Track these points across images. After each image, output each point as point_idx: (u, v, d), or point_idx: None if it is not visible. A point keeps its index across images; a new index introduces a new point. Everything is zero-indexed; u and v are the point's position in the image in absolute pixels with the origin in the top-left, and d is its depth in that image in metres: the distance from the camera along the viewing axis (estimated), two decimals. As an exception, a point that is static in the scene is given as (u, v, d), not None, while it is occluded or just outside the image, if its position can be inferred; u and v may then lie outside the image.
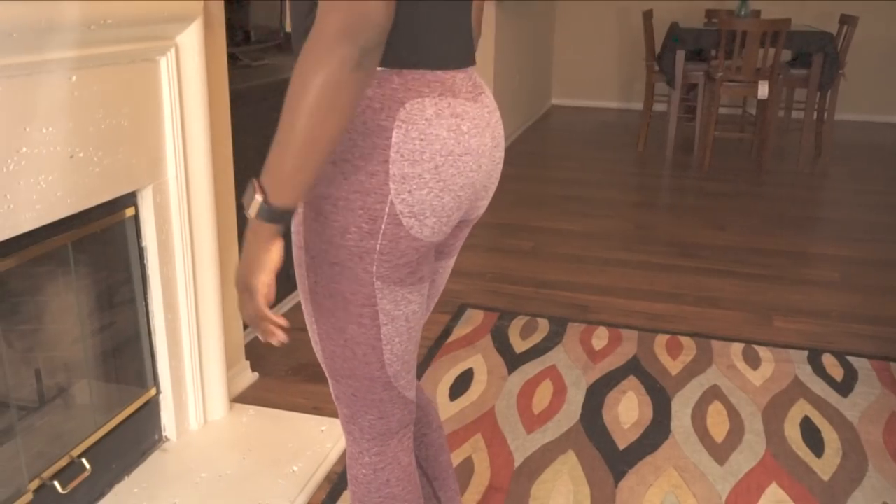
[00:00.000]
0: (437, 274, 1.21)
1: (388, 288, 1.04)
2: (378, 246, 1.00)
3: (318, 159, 0.89)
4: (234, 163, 2.19)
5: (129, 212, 1.79)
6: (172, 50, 1.77)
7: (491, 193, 1.13)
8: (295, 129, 0.87)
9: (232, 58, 2.62)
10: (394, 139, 0.97)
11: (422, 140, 0.97)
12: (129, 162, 1.71)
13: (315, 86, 0.85)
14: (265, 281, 0.95)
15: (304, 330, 2.77)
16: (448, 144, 0.98)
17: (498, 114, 1.10)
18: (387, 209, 0.98)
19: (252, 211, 0.93)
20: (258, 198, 0.91)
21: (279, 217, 0.92)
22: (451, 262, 1.22)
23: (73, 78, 1.53)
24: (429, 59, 0.98)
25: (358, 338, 1.07)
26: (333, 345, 1.09)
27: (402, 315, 1.08)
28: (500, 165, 1.12)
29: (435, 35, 0.99)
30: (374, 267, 1.01)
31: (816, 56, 5.01)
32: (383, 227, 0.99)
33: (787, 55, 5.53)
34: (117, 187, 1.69)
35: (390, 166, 0.97)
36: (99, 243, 1.75)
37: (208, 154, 1.91)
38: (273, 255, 0.94)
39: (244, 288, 0.97)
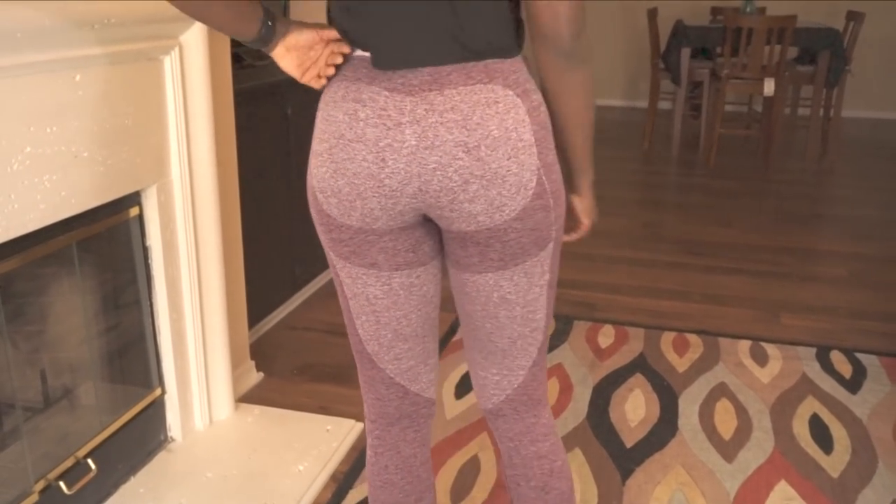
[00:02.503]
0: (466, 287, 1.12)
1: (339, 260, 1.12)
2: (315, 216, 1.10)
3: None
4: (238, 162, 2.18)
5: (134, 211, 1.79)
6: (176, 49, 1.77)
7: (457, 205, 1.01)
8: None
9: (236, 58, 2.61)
10: (318, 117, 1.07)
11: (325, 120, 1.04)
12: (134, 161, 1.71)
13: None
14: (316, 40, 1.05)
15: (311, 329, 2.77)
16: (341, 128, 1.01)
17: (453, 117, 0.98)
18: (309, 181, 1.08)
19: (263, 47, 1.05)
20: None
21: (266, 39, 1.04)
22: (480, 278, 1.09)
23: (78, 77, 1.53)
24: (366, 42, 1.01)
25: (343, 304, 1.17)
26: (341, 307, 1.19)
27: (362, 294, 1.13)
28: (453, 171, 0.99)
29: (377, 20, 1.00)
30: (322, 236, 1.12)
31: (823, 53, 4.99)
32: (311, 198, 1.09)
33: (793, 52, 5.51)
34: (121, 187, 1.69)
35: (313, 143, 1.07)
36: (103, 243, 1.75)
37: (212, 154, 1.91)
38: (305, 37, 1.05)
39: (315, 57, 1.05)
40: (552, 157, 1.05)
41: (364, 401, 1.24)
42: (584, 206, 1.21)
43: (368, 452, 1.25)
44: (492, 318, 1.13)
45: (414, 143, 0.98)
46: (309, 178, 1.09)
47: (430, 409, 1.25)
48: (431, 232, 1.12)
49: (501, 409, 1.20)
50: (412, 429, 1.23)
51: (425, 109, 0.98)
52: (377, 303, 1.13)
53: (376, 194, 1.02)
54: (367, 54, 1.01)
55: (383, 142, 0.99)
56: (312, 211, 1.10)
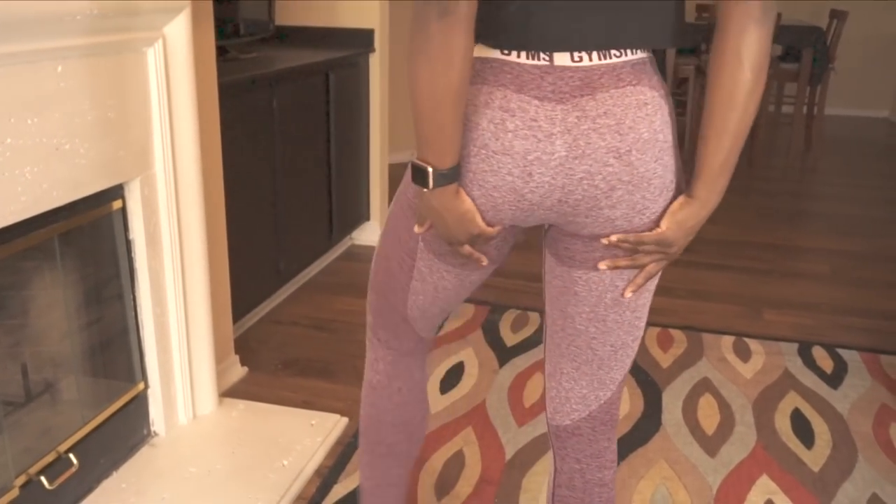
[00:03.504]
0: (577, 286, 1.06)
1: (428, 253, 1.09)
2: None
3: (446, 114, 0.90)
4: (223, 156, 2.17)
5: (117, 204, 1.77)
6: (160, 41, 1.75)
7: (595, 212, 0.97)
8: (414, 95, 0.91)
9: (221, 51, 2.60)
10: None
11: (466, 126, 0.96)
12: (116, 154, 1.69)
13: (413, 46, 0.89)
14: (475, 231, 1.00)
15: (296, 324, 2.76)
16: (484, 136, 0.95)
17: (606, 122, 0.93)
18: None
19: (430, 183, 0.95)
20: (429, 169, 0.94)
21: (452, 176, 0.95)
22: (595, 276, 1.04)
23: (59, 68, 1.51)
24: (506, 40, 0.94)
25: (395, 272, 1.15)
26: (379, 264, 1.19)
27: (432, 282, 1.13)
28: (601, 179, 0.95)
29: (524, 13, 0.92)
30: (424, 231, 1.08)
31: (806, 50, 5.02)
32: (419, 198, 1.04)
33: (777, 50, 5.54)
34: (104, 179, 1.67)
35: None
36: (86, 236, 1.73)
37: (197, 147, 1.89)
38: (468, 206, 0.98)
39: (465, 243, 1.02)
40: (679, 154, 1.03)
41: (375, 336, 1.27)
42: (686, 216, 1.00)
43: (378, 377, 1.30)
44: (599, 321, 1.07)
45: (563, 153, 0.94)
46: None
47: (434, 343, 1.34)
48: (518, 235, 1.10)
49: (580, 428, 1.14)
50: (420, 358, 1.32)
51: (577, 117, 0.93)
52: (443, 292, 1.14)
53: (513, 208, 0.98)
54: (512, 58, 0.94)
55: (532, 155, 0.94)
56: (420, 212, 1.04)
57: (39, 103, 1.47)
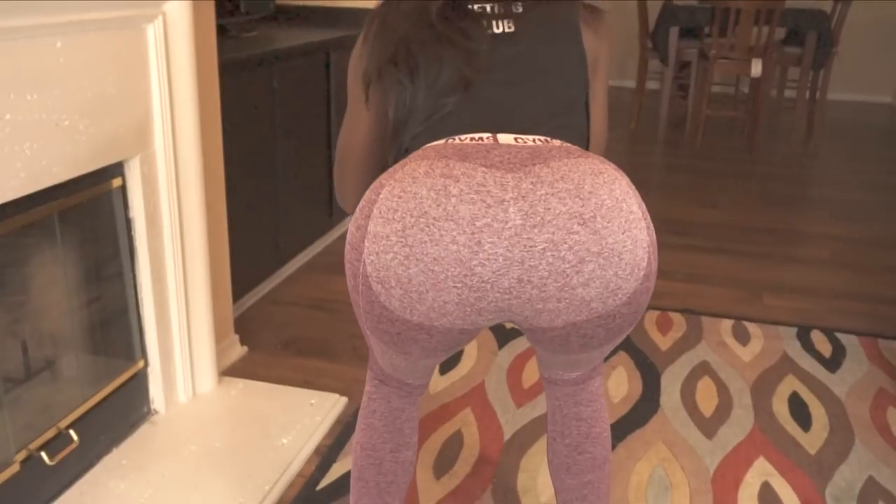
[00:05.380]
0: (545, 345, 1.06)
1: (373, 338, 1.03)
2: (361, 301, 0.97)
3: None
4: (223, 135, 2.16)
5: (116, 182, 1.77)
6: (160, 18, 1.74)
7: (568, 291, 0.88)
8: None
9: (221, 29, 2.58)
10: (381, 195, 0.91)
11: (399, 197, 0.89)
12: (116, 131, 1.68)
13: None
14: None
15: (296, 304, 2.76)
16: (423, 204, 0.86)
17: (565, 186, 0.87)
18: (361, 269, 0.93)
19: None
20: None
21: None
22: (568, 357, 1.05)
23: (59, 44, 1.50)
24: (450, 131, 0.98)
25: (362, 327, 1.09)
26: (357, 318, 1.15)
27: (388, 361, 1.12)
28: (567, 249, 0.87)
29: (458, 119, 0.99)
30: (363, 318, 1.01)
31: (810, 34, 4.99)
32: (360, 286, 0.95)
33: (780, 33, 5.51)
34: (104, 157, 1.67)
35: (370, 223, 0.91)
36: (85, 214, 1.73)
37: (197, 125, 1.88)
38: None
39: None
40: (654, 236, 0.97)
41: (370, 354, 1.27)
42: None
43: (364, 397, 1.30)
44: (571, 361, 1.11)
45: (519, 222, 0.86)
46: (359, 264, 0.93)
47: (425, 388, 1.30)
48: (475, 334, 1.02)
49: (557, 381, 1.24)
50: (406, 391, 1.28)
51: (532, 182, 0.87)
52: (399, 367, 1.14)
53: (458, 285, 0.88)
54: (456, 141, 0.94)
55: (481, 221, 0.86)
56: (360, 299, 0.96)
57: (39, 79, 1.47)
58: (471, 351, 2.36)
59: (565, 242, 0.87)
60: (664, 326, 2.55)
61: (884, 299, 2.83)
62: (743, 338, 2.49)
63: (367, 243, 0.91)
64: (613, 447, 1.92)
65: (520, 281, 0.87)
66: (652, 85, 6.84)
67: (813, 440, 1.97)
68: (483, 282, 0.87)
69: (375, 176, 1.14)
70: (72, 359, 1.78)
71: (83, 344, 1.79)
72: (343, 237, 3.29)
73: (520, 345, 2.40)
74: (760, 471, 1.84)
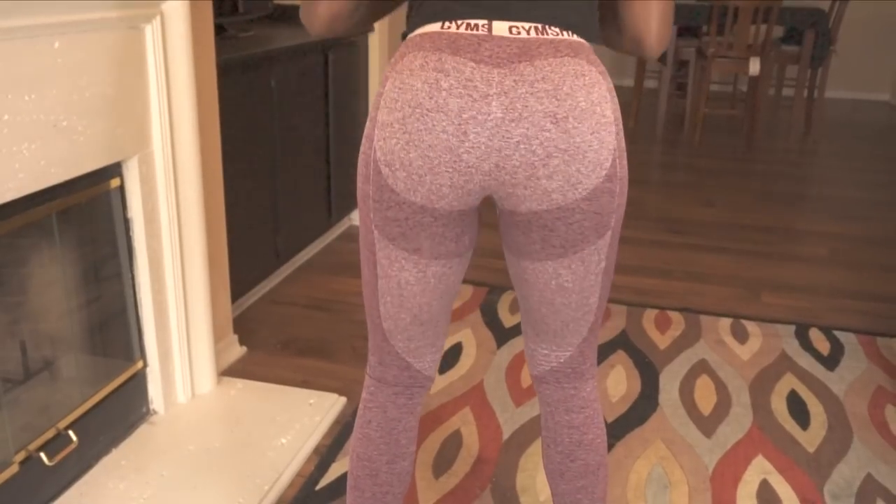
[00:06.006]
0: (526, 274, 1.12)
1: (383, 241, 1.10)
2: (371, 191, 1.06)
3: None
4: (221, 134, 2.16)
5: (115, 182, 1.77)
6: (158, 18, 1.74)
7: (534, 181, 0.99)
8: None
9: (219, 29, 2.58)
10: (386, 87, 1.03)
11: (399, 89, 1.00)
12: (114, 131, 1.68)
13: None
14: None
15: (294, 304, 2.76)
16: (419, 96, 0.98)
17: (544, 87, 0.96)
18: (372, 155, 1.04)
19: None
20: None
21: None
22: (539, 266, 1.09)
23: (56, 44, 1.50)
24: (442, 15, 1.01)
25: (367, 278, 1.16)
26: (361, 276, 1.20)
27: (394, 278, 1.12)
28: (538, 144, 0.97)
29: None
30: (371, 213, 1.08)
31: (808, 32, 5.00)
32: (371, 172, 1.05)
33: (778, 31, 5.51)
34: (102, 157, 1.67)
35: (378, 113, 1.03)
36: (84, 215, 1.73)
37: (195, 125, 1.88)
38: None
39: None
40: (624, 143, 1.04)
41: (368, 356, 1.26)
42: None
43: (360, 404, 1.28)
44: (547, 303, 1.14)
45: (500, 115, 0.96)
46: (370, 151, 1.04)
47: (426, 384, 1.27)
48: (475, 223, 1.12)
49: (545, 378, 1.24)
50: (404, 395, 1.25)
51: (514, 80, 0.96)
52: (407, 288, 1.13)
53: (449, 169, 0.99)
54: (451, 29, 0.99)
55: (467, 113, 0.97)
56: (370, 187, 1.06)
57: (36, 79, 1.46)
58: (469, 350, 2.36)
59: (537, 138, 0.97)
60: (663, 325, 2.56)
61: (882, 297, 2.84)
62: (741, 336, 2.50)
63: (376, 131, 1.03)
64: (612, 446, 1.92)
65: (497, 166, 0.99)
66: (650, 83, 6.84)
67: (811, 438, 1.97)
68: (469, 167, 0.99)
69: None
70: (70, 359, 1.78)
71: (82, 344, 1.79)
72: (341, 237, 3.29)
73: (518, 344, 2.40)
74: (759, 469, 1.85)
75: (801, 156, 4.93)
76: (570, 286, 1.10)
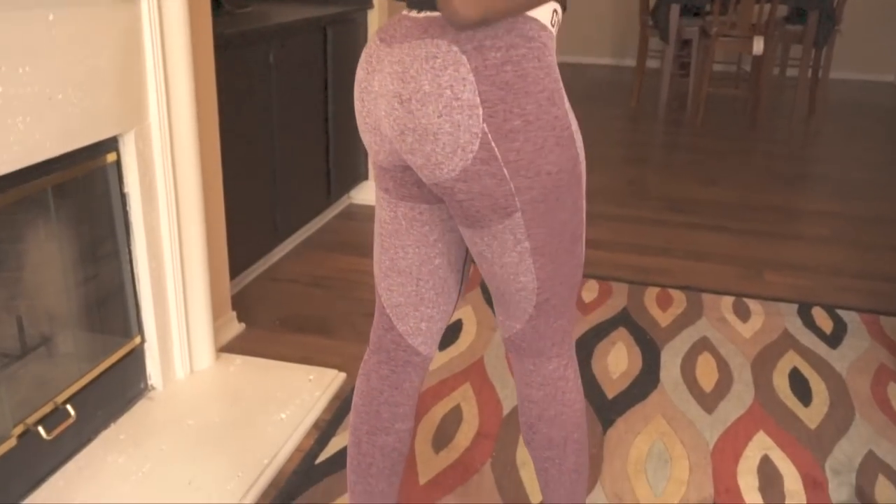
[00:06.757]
0: (466, 242, 1.13)
1: (374, 180, 1.21)
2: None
3: None
4: (219, 111, 2.14)
5: (111, 157, 1.75)
6: (153, -11, 1.72)
7: (406, 155, 1.03)
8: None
9: (216, 4, 2.55)
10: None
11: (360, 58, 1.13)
12: (110, 105, 1.67)
13: None
14: None
15: (294, 281, 2.75)
16: (358, 67, 1.12)
17: (395, 69, 1.00)
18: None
19: None
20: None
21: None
22: (461, 229, 1.09)
23: (51, 17, 1.48)
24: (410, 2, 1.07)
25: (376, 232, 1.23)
26: None
27: (377, 217, 1.21)
28: (393, 121, 1.01)
29: None
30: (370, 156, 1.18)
31: (812, 12, 4.95)
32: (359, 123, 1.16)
33: (783, 11, 5.46)
34: (98, 131, 1.65)
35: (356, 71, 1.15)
36: (80, 190, 1.71)
37: (192, 100, 1.86)
38: None
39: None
40: (517, 123, 0.97)
41: (376, 307, 1.29)
42: None
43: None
44: (479, 265, 1.15)
45: (376, 89, 1.05)
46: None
47: (412, 356, 1.24)
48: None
49: (507, 346, 1.25)
50: (387, 366, 1.25)
51: (388, 61, 1.03)
52: (384, 227, 1.19)
53: (364, 130, 1.11)
54: (404, 14, 1.07)
55: (361, 85, 1.09)
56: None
57: (31, 52, 1.45)
58: (469, 327, 2.35)
59: (391, 115, 1.03)
60: (664, 303, 2.54)
61: (885, 276, 2.82)
62: (743, 314, 2.48)
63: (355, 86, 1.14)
64: (612, 422, 1.91)
65: (385, 134, 1.07)
66: (652, 63, 6.79)
67: (813, 415, 1.97)
68: (373, 129, 1.08)
69: None
70: (68, 335, 1.77)
71: (79, 320, 1.78)
72: (340, 215, 3.28)
73: (519, 321, 2.39)
74: (760, 445, 1.84)
75: (804, 136, 4.89)
76: (489, 257, 1.10)
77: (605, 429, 1.89)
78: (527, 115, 0.98)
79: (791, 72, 6.46)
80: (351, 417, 1.30)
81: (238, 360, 2.12)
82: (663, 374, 2.13)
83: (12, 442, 1.55)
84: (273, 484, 1.68)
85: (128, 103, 1.72)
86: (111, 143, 1.74)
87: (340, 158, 3.15)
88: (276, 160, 2.66)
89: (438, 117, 0.97)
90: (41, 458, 1.63)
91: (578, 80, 6.60)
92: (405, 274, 1.19)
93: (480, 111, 0.96)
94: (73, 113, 1.57)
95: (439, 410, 1.94)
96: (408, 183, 1.12)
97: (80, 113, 1.59)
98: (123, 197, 1.80)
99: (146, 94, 1.77)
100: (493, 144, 0.98)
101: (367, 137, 1.12)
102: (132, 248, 1.84)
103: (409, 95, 0.99)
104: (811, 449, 1.83)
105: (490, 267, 1.12)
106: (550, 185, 1.03)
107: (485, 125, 0.97)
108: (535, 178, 1.01)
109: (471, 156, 0.98)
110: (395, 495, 1.33)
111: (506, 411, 1.94)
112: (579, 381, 1.25)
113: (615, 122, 5.16)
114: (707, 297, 2.59)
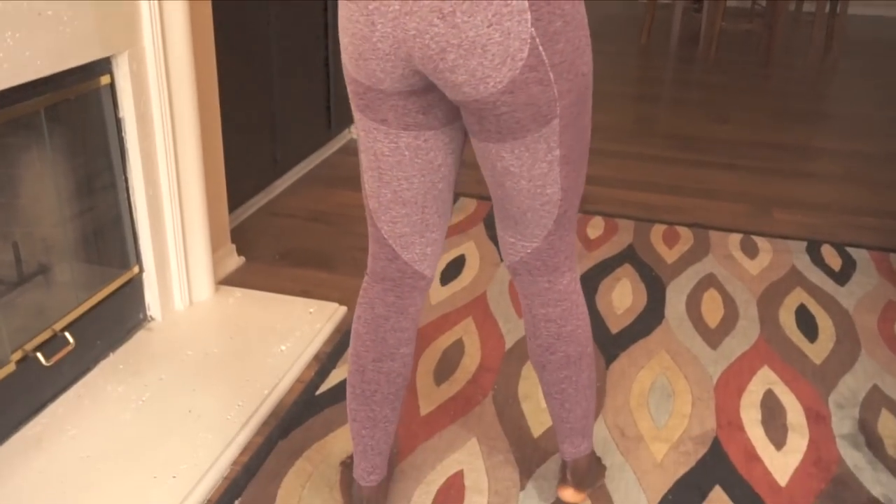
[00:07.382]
0: (477, 152, 1.10)
1: (357, 113, 1.11)
2: (347, 81, 1.10)
3: None
4: (216, 40, 2.07)
5: (105, 80, 1.70)
6: None
7: (441, 74, 0.97)
8: None
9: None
10: None
11: None
12: (102, 24, 1.60)
13: None
14: None
15: (294, 216, 2.71)
16: None
17: None
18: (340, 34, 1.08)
19: None
20: None
21: None
22: (483, 146, 1.06)
23: (35, -73, 1.41)
24: None
25: (361, 163, 1.17)
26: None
27: (371, 149, 1.13)
28: (430, 39, 0.95)
29: None
30: (351, 100, 1.10)
31: (833, -57, 4.78)
32: (344, 62, 1.09)
33: (801, -57, 5.27)
34: (90, 51, 1.59)
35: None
36: (74, 113, 1.67)
37: (187, 22, 1.80)
38: None
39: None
40: (559, 24, 0.95)
41: (370, 233, 1.25)
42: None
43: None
44: (498, 186, 1.12)
45: (397, 7, 0.95)
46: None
47: (418, 282, 1.23)
48: (445, 97, 1.07)
49: (517, 269, 1.23)
50: (393, 293, 1.23)
51: None
52: (383, 160, 1.12)
53: (373, 56, 1.00)
54: None
55: (372, 4, 0.97)
56: (346, 78, 1.11)
57: (15, -37, 1.38)
58: (472, 262, 2.32)
59: (427, 33, 0.95)
60: (671, 240, 2.51)
61: (897, 214, 2.77)
62: (751, 251, 2.45)
63: (339, 17, 1.06)
64: (615, 357, 1.90)
65: (409, 55, 0.98)
66: (665, -1, 6.60)
67: (818, 350, 1.94)
68: (386, 54, 0.99)
69: None
70: (65, 263, 1.75)
71: (76, 248, 1.76)
72: (341, 150, 3.22)
73: (523, 256, 2.36)
74: (764, 379, 1.82)
75: (819, 73, 4.77)
76: (517, 171, 1.07)
77: (608, 363, 1.87)
78: (565, 16, 0.96)
79: (808, 7, 6.28)
80: (352, 346, 1.28)
81: (238, 292, 2.10)
82: (668, 311, 2.10)
83: (11, 367, 1.54)
84: (273, 414, 1.67)
85: (120, 23, 1.65)
86: (104, 65, 1.69)
87: (342, 92, 3.08)
88: (275, 92, 2.59)
89: (488, 27, 0.92)
90: (41, 385, 1.62)
91: (587, 15, 6.41)
92: (410, 204, 1.16)
93: (529, 15, 0.93)
94: (63, 31, 1.51)
95: (441, 344, 1.93)
96: (412, 111, 1.07)
97: (71, 31, 1.53)
98: (118, 122, 1.75)
99: (140, 14, 1.71)
100: (540, 49, 0.96)
101: (372, 65, 1.01)
102: (128, 175, 1.80)
103: (453, 8, 0.92)
104: (815, 384, 1.81)
105: (516, 182, 1.09)
106: (583, 86, 1.03)
107: (532, 29, 0.94)
108: (574, 81, 1.01)
109: (520, 64, 0.95)
110: (397, 420, 1.33)
111: (508, 345, 1.93)
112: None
113: (625, 58, 5.04)
114: (714, 235, 2.55)
